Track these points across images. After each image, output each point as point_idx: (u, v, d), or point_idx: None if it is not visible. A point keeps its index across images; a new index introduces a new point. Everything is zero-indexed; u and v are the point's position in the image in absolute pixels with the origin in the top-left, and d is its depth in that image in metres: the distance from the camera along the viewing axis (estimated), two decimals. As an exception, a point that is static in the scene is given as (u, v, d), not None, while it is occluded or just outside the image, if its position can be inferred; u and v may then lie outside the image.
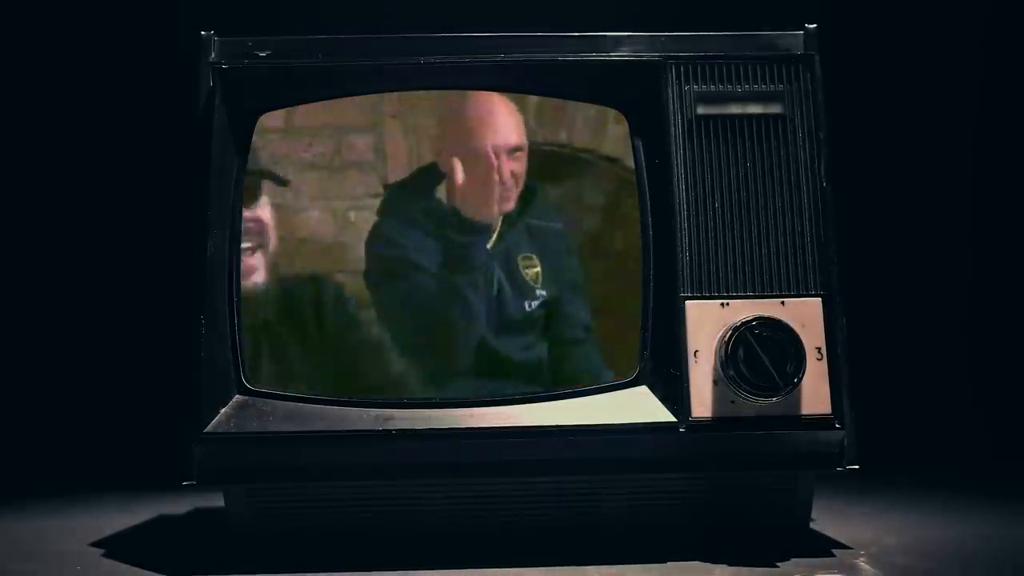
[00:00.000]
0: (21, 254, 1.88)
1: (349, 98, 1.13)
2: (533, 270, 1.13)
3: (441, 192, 1.13)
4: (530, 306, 1.12)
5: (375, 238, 1.13)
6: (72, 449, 1.82)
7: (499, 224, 1.14)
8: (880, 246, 1.87)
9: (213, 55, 1.10)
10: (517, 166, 1.13)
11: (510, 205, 1.13)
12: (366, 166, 1.14)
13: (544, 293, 1.12)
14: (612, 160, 1.14)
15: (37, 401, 1.84)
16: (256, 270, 1.10)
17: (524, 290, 1.12)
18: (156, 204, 1.83)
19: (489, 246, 1.13)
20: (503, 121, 1.14)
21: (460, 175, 1.12)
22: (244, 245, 1.08)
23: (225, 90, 1.08)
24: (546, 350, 1.12)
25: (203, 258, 1.05)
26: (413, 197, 1.14)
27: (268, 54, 1.10)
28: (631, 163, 1.11)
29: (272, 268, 1.12)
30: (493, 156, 1.12)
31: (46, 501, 1.58)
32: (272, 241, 1.12)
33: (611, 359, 1.10)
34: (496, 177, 1.11)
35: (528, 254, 1.13)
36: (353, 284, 1.13)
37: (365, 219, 1.13)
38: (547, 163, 1.15)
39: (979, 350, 1.91)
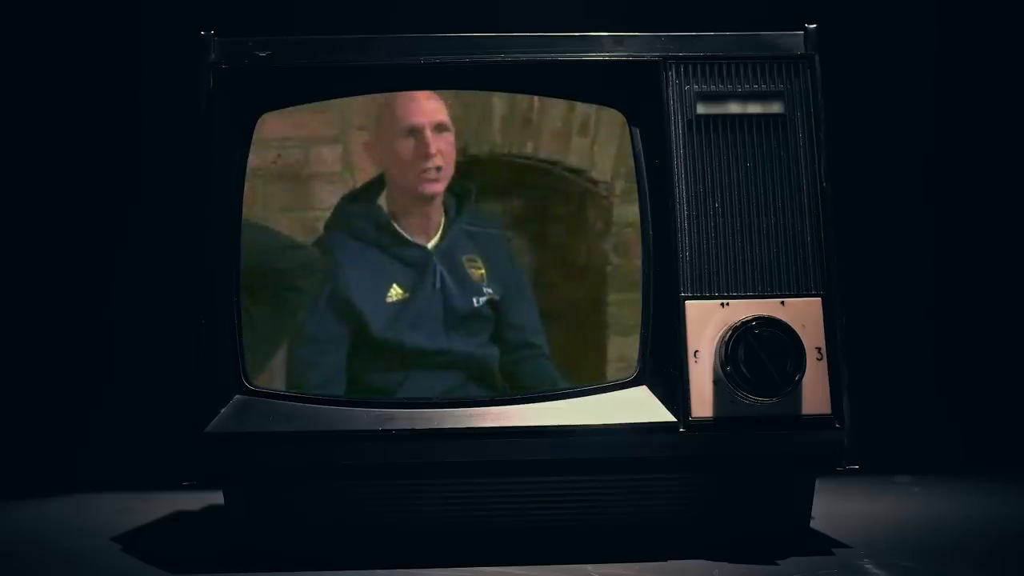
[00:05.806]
0: (22, 254, 1.88)
1: (317, 111, 1.13)
2: (478, 271, 1.13)
3: (383, 199, 1.14)
4: (478, 302, 1.12)
5: (332, 245, 1.13)
6: (72, 449, 1.82)
7: (440, 225, 1.14)
8: (880, 246, 1.87)
9: (213, 55, 1.09)
10: (444, 145, 1.14)
11: (440, 186, 1.14)
12: (334, 177, 1.14)
13: (491, 291, 1.12)
14: (577, 172, 1.14)
15: (37, 401, 1.84)
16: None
17: (469, 287, 1.13)
18: (157, 204, 1.83)
19: (431, 245, 1.14)
20: (426, 104, 1.15)
21: (393, 151, 1.14)
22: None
23: (225, 90, 1.08)
24: (497, 353, 1.12)
25: (203, 258, 1.06)
26: (360, 206, 1.14)
27: (268, 54, 1.10)
28: (595, 174, 1.12)
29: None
30: (421, 129, 1.13)
31: (46, 501, 1.58)
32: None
33: (565, 367, 1.11)
34: (426, 149, 1.13)
35: (472, 256, 1.14)
36: (323, 288, 1.13)
37: (321, 227, 1.13)
38: (514, 173, 1.15)
39: (980, 349, 1.91)
